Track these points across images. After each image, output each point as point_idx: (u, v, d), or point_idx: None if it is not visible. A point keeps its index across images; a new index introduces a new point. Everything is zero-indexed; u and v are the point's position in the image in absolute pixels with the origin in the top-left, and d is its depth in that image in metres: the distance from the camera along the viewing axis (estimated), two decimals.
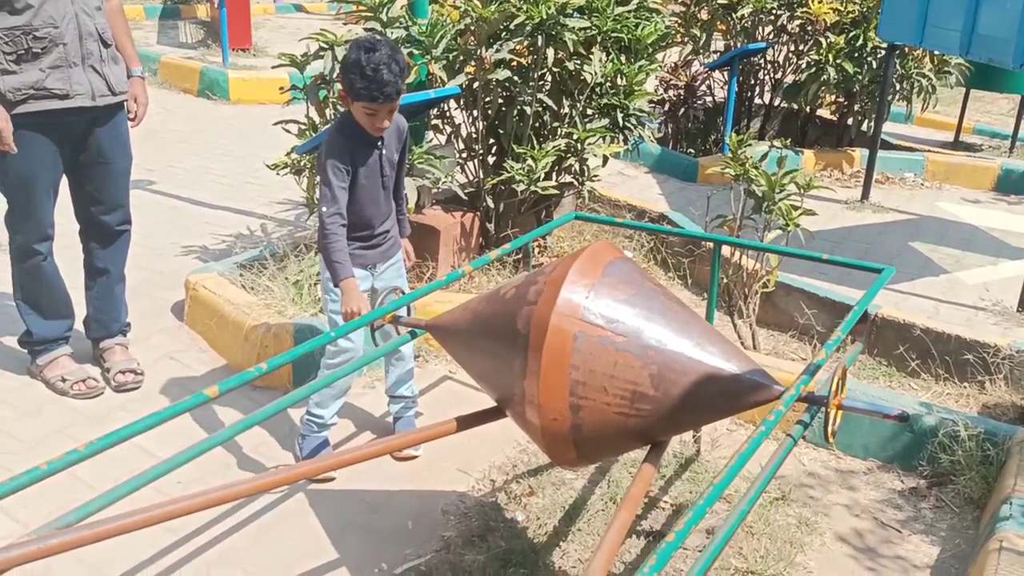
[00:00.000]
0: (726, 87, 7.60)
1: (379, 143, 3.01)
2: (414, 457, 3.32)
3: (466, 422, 2.39)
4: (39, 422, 3.40)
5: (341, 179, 2.93)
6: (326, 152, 2.94)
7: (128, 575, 2.65)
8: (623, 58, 4.67)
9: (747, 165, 3.87)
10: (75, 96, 3.32)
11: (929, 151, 8.10)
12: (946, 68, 7.64)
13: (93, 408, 3.51)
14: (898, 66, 7.26)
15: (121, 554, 2.68)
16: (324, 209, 2.93)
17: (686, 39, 7.66)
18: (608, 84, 4.65)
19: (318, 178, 4.30)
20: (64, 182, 3.53)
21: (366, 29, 4.37)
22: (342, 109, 4.23)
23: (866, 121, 7.88)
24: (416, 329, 2.67)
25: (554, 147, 4.50)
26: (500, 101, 4.62)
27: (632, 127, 4.77)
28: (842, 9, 7.21)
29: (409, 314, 2.84)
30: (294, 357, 2.31)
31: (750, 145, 4.02)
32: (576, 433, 2.16)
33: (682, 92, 7.81)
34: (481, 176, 4.83)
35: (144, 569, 2.68)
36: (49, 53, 3.24)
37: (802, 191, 3.88)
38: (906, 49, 7.25)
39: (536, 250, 5.04)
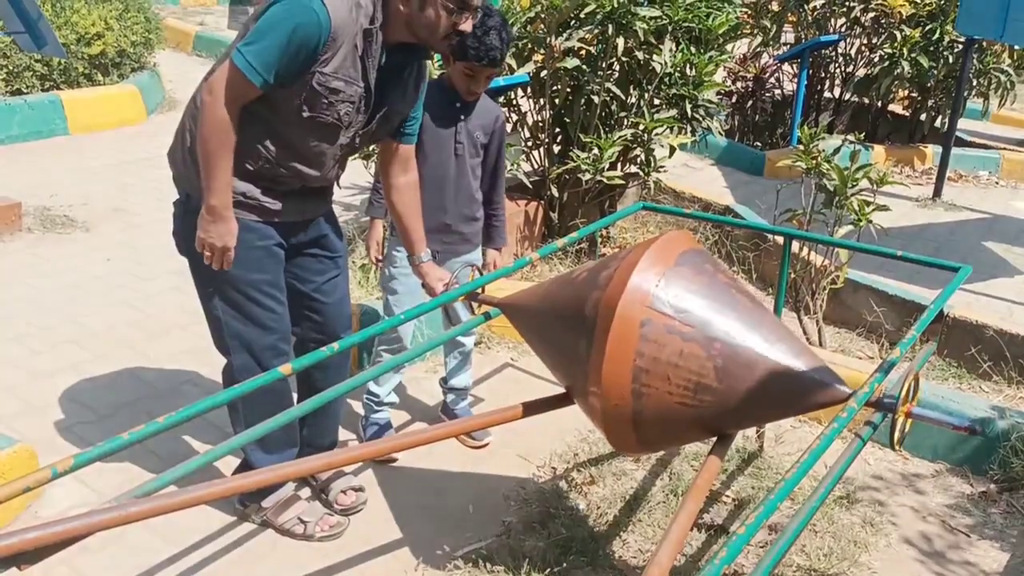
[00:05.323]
0: (795, 80, 7.47)
1: (462, 115, 2.99)
2: (485, 444, 3.33)
3: (532, 408, 2.39)
4: (112, 393, 3.49)
5: None
6: None
7: (198, 546, 2.71)
8: (693, 48, 4.63)
9: (819, 159, 3.81)
10: None
11: (1005, 149, 7.87)
12: None
13: (165, 381, 3.59)
14: (976, 61, 7.07)
15: (189, 523, 2.74)
16: None
17: (756, 30, 7.55)
18: (677, 74, 4.61)
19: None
20: None
21: None
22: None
23: (939, 117, 7.69)
24: (490, 309, 2.67)
25: (621, 137, 4.48)
26: (568, 90, 4.60)
27: (700, 118, 4.73)
28: (918, 1, 7.04)
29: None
30: (363, 338, 2.34)
31: (823, 139, 3.96)
32: (637, 419, 2.16)
33: (750, 84, 7.70)
34: (546, 165, 4.83)
35: (213, 540, 2.74)
36: None
37: (875, 186, 3.81)
38: (984, 43, 7.05)
39: (599, 240, 5.02)
